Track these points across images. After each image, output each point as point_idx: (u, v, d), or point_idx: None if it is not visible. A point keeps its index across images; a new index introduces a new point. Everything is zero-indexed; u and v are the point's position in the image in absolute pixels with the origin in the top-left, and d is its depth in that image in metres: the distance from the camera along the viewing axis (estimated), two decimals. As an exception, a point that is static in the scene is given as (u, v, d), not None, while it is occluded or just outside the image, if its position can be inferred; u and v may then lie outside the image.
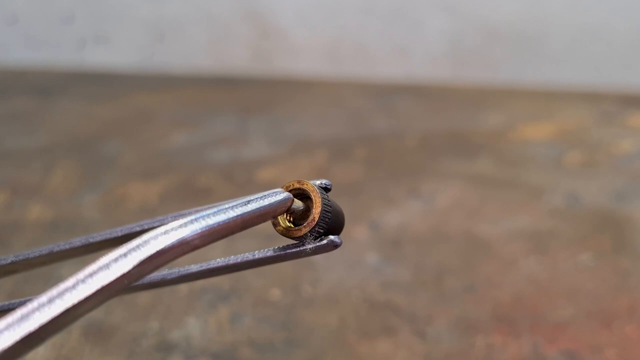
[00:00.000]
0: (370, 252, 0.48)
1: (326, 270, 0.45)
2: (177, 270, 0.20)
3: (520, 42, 1.00)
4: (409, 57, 1.04)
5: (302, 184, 0.18)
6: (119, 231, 0.20)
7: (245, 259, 0.19)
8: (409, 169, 0.66)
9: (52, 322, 0.13)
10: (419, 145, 0.73)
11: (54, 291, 0.14)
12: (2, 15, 1.08)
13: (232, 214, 0.16)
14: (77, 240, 0.21)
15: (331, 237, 0.18)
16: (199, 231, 0.15)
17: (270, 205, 0.17)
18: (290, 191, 0.18)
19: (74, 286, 0.14)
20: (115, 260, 0.14)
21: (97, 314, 0.40)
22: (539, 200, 0.57)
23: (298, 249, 0.18)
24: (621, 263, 0.47)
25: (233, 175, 0.63)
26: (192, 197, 0.58)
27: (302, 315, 0.40)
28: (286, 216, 0.18)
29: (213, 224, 0.16)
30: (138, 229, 0.19)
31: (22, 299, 0.21)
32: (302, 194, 0.18)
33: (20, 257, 0.21)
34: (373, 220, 0.53)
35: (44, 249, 0.21)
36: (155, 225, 0.19)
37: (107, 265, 0.14)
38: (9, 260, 0.21)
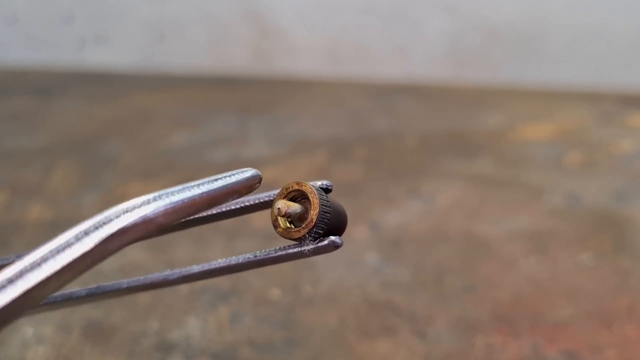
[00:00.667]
0: (370, 252, 0.48)
1: (326, 270, 0.45)
2: (178, 271, 0.20)
3: (520, 42, 1.00)
4: (409, 57, 1.04)
5: (301, 186, 0.18)
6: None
7: (246, 259, 0.19)
8: (409, 169, 0.66)
9: (13, 303, 0.13)
10: (419, 145, 0.73)
11: (16, 270, 0.13)
12: (2, 15, 1.08)
13: (197, 190, 0.15)
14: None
15: (332, 237, 0.18)
16: (163, 208, 0.14)
17: (237, 182, 0.16)
18: (289, 193, 0.18)
19: (36, 266, 0.13)
20: (78, 238, 0.14)
21: (97, 313, 0.40)
22: (539, 200, 0.57)
23: (298, 249, 0.18)
24: (621, 263, 0.47)
25: (233, 175, 0.63)
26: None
27: (302, 315, 0.40)
28: (286, 218, 0.18)
29: (177, 201, 0.15)
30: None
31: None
32: (302, 196, 0.18)
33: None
34: (373, 220, 0.53)
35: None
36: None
37: (69, 244, 0.14)
38: (11, 261, 0.21)
